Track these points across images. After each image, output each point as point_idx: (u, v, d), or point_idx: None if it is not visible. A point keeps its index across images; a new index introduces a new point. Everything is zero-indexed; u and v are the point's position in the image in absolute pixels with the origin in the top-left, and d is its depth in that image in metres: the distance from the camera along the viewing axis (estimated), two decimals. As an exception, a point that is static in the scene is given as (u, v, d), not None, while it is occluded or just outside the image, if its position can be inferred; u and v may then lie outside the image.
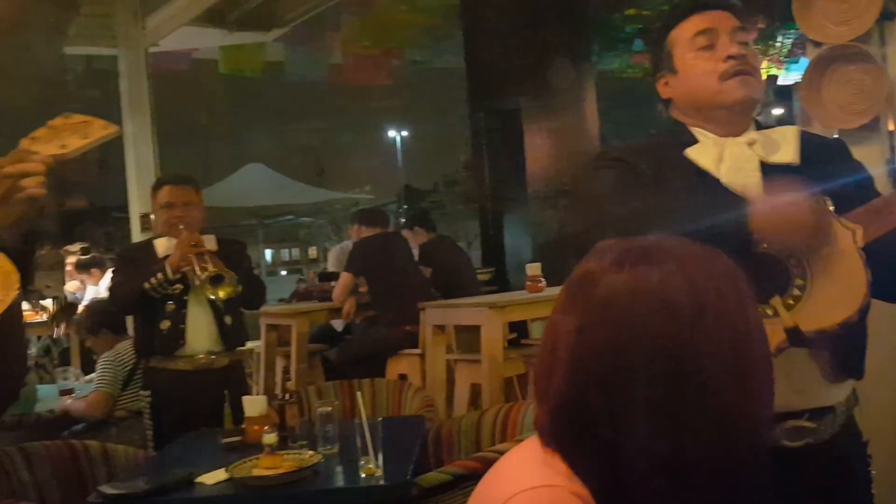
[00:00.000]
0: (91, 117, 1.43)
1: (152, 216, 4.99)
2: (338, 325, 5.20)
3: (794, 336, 1.13)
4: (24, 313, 1.20)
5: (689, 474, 0.71)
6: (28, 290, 1.49)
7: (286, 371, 4.78)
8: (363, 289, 4.65)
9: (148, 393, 2.97)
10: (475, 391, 3.91)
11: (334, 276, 5.42)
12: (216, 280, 2.77)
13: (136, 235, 5.00)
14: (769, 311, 1.15)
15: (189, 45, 6.07)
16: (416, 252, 4.99)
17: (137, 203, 4.96)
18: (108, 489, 1.95)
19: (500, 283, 5.68)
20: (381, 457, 1.93)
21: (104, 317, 3.65)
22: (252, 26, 5.64)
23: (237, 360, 3.05)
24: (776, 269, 1.17)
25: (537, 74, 5.71)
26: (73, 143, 1.37)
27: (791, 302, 1.15)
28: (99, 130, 1.41)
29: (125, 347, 3.51)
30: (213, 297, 2.79)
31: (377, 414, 2.79)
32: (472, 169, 7.61)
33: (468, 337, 4.00)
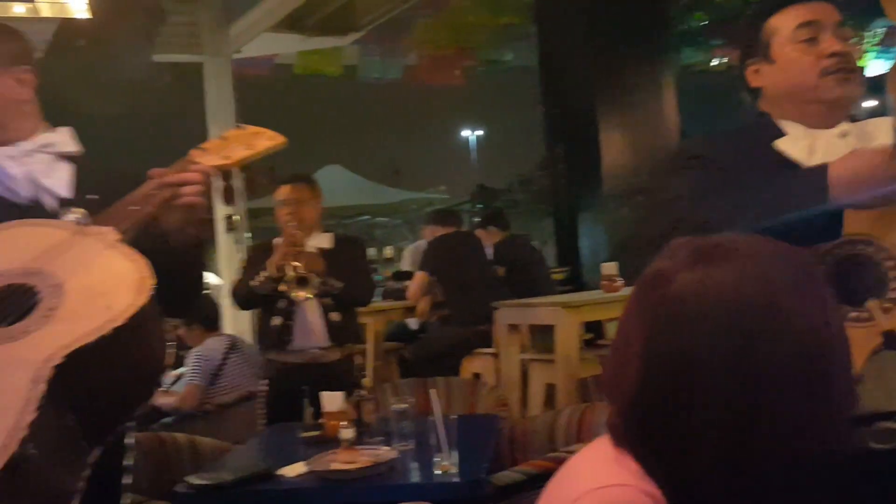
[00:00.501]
0: (262, 129, 1.51)
1: (235, 217, 5.18)
2: (413, 323, 5.26)
3: (892, 340, 1.09)
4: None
5: (761, 476, 0.69)
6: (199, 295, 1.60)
7: (362, 368, 4.87)
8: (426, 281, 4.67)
9: (266, 382, 3.12)
10: (550, 391, 3.88)
11: (409, 276, 5.47)
12: (301, 282, 2.85)
13: (221, 236, 5.18)
14: (865, 315, 1.11)
15: (269, 50, 6.25)
16: (489, 251, 4.99)
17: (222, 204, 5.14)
18: (194, 479, 2.03)
19: (576, 282, 5.62)
20: (455, 454, 1.95)
21: (199, 311, 3.79)
22: (329, 31, 5.78)
23: (348, 355, 3.10)
24: (873, 272, 1.13)
25: (613, 69, 5.62)
26: (237, 154, 1.44)
27: (889, 305, 1.11)
28: (265, 141, 1.48)
29: (214, 343, 3.65)
30: (294, 296, 2.87)
31: (451, 412, 2.80)
32: (546, 167, 7.55)
33: (542, 337, 3.98)
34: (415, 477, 2.06)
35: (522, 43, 7.31)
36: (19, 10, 4.06)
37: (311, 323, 3.01)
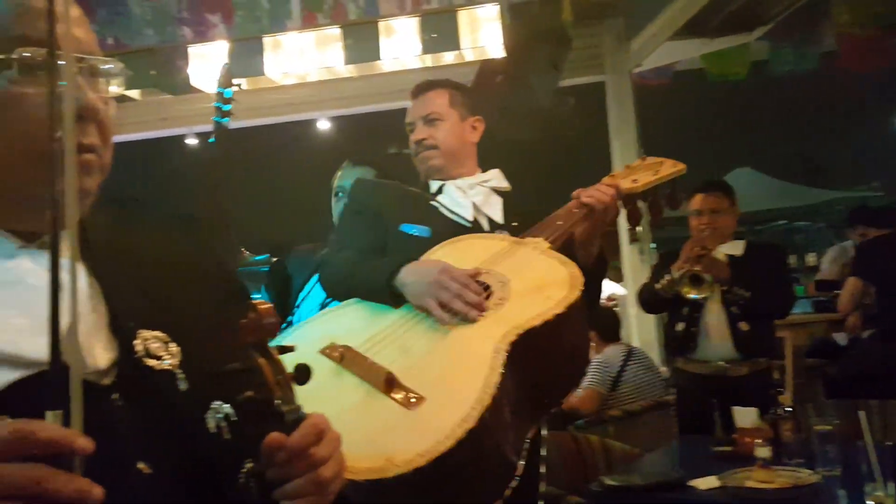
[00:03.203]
0: (663, 158, 1.76)
1: (639, 229, 5.24)
2: (840, 338, 4.72)
3: None
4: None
5: None
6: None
7: (779, 384, 4.53)
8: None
9: (674, 390, 3.16)
10: None
11: (835, 285, 4.93)
12: (694, 280, 2.81)
13: (625, 247, 5.29)
14: None
15: (670, 58, 6.20)
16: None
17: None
18: (608, 480, 2.14)
19: None
20: (892, 486, 1.71)
21: (594, 320, 3.95)
22: (734, 29, 5.52)
23: (760, 370, 2.96)
24: None
25: None
26: (644, 179, 1.70)
27: None
28: (668, 168, 1.73)
29: (613, 351, 3.79)
30: (685, 293, 2.83)
31: (889, 439, 2.46)
32: None
33: None
34: (843, 506, 1.87)
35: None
36: (449, 57, 4.74)
37: (716, 331, 2.94)
